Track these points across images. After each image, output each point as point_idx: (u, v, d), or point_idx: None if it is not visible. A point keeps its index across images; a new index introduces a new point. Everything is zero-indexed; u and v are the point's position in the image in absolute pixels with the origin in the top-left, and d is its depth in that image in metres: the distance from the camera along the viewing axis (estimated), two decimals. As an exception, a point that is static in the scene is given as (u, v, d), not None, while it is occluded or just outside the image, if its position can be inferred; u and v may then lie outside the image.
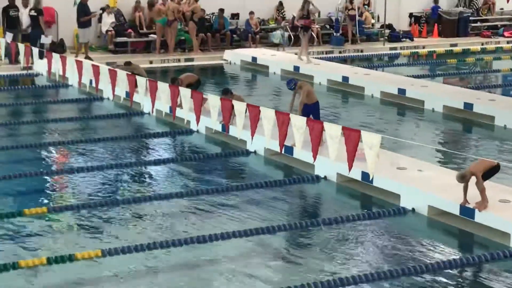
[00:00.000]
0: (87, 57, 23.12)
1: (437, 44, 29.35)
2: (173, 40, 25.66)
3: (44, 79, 21.68)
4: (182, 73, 18.77)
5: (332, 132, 11.52)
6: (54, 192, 12.88)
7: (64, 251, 10.15)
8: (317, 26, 28.21)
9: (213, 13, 27.25)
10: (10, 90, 20.86)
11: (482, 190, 10.96)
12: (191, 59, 25.37)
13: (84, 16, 23.80)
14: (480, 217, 11.03)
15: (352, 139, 11.15)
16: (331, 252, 10.49)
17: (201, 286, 9.55)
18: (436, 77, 23.30)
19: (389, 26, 29.73)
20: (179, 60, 25.16)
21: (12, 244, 10.56)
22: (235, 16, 28.04)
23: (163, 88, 15.42)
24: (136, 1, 26.23)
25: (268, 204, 12.27)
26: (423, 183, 12.16)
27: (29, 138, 15.87)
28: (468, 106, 17.98)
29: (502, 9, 33.19)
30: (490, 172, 11.09)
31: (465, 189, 11.09)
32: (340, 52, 27.27)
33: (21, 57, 21.05)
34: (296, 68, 22.90)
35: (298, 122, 12.11)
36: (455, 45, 29.16)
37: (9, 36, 23.24)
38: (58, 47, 24.47)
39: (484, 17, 32.40)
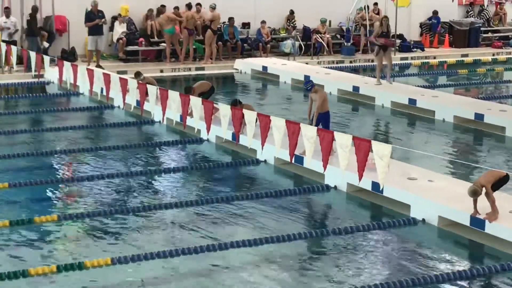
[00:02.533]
0: (98, 66, 23.19)
1: (448, 54, 29.30)
2: (191, 49, 25.73)
3: (55, 87, 21.73)
4: (193, 82, 18.79)
5: (343, 141, 11.52)
6: (64, 200, 12.90)
7: (74, 259, 10.17)
8: (327, 35, 28.23)
9: (223, 22, 27.29)
10: (22, 98, 20.93)
11: (492, 201, 10.93)
12: (202, 68, 25.41)
13: (88, 22, 24.09)
14: (490, 228, 10.99)
15: (362, 149, 11.14)
16: (341, 262, 10.47)
17: (210, 295, 9.56)
18: (447, 87, 23.26)
19: (400, 36, 29.72)
20: (189, 69, 25.20)
21: (22, 252, 10.57)
22: (246, 25, 28.07)
23: (174, 96, 15.45)
24: (148, 10, 26.29)
25: (278, 213, 12.26)
26: (433, 194, 12.13)
27: (40, 146, 15.90)
28: (479, 116, 17.94)
29: (513, 19, 33.17)
30: (499, 182, 11.06)
31: (475, 200, 11.06)
32: (350, 62, 27.27)
33: (32, 65, 21.13)
34: (307, 78, 22.86)
35: (309, 132, 12.11)
36: (466, 55, 29.12)
37: (45, 43, 23.62)
38: (69, 55, 24.56)
39: (495, 28, 32.34)
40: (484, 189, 10.88)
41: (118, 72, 21.62)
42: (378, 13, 29.94)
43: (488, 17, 32.19)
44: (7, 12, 23.60)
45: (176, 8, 25.93)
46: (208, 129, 14.58)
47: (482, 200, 11.00)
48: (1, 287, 9.45)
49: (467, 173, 14.12)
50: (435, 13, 30.76)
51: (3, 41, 23.11)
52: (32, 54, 21.04)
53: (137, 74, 18.82)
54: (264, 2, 28.30)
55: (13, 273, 9.64)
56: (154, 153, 15.71)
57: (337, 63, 27.07)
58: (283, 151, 13.00)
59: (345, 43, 28.18)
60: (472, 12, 32.05)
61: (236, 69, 25.53)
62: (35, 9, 24.00)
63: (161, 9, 26.22)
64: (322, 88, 21.90)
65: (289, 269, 10.28)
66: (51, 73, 21.84)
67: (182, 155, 15.72)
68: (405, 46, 29.37)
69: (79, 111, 19.25)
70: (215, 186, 13.55)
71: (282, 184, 13.79)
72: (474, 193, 10.91)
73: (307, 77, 14.92)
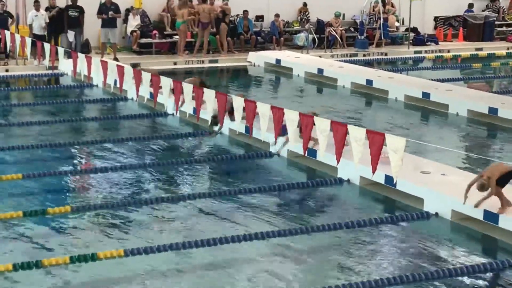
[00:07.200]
0: (115, 59, 23.24)
1: (462, 48, 29.20)
2: (205, 42, 25.76)
3: (69, 79, 21.79)
4: (206, 74, 18.77)
5: (356, 135, 11.48)
6: (78, 192, 12.93)
7: (86, 251, 10.19)
8: (341, 28, 28.19)
9: (237, 15, 27.28)
10: (36, 90, 21.01)
11: (498, 194, 10.86)
12: (215, 61, 25.42)
13: (99, 15, 24.28)
14: (503, 222, 10.95)
15: (376, 142, 11.10)
16: (353, 255, 10.46)
17: (222, 287, 9.55)
18: (461, 81, 23.17)
19: (414, 30, 29.64)
20: (203, 62, 25.20)
21: (35, 243, 10.61)
22: (259, 18, 28.06)
23: (188, 89, 15.44)
24: (168, 0, 26.34)
25: (291, 206, 12.26)
26: (447, 188, 12.10)
27: (54, 137, 15.93)
28: (493, 110, 17.87)
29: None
30: (506, 177, 10.95)
31: (469, 188, 11.03)
32: (364, 55, 27.22)
33: (47, 57, 21.19)
34: (320, 71, 22.86)
35: (322, 125, 12.08)
36: (480, 49, 29.00)
37: (71, 34, 23.80)
38: (83, 47, 24.63)
39: (510, 22, 32.16)
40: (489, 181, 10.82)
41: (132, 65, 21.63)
42: (392, 6, 29.96)
43: (497, 7, 31.92)
44: (37, 5, 23.71)
45: (190, 0, 25.97)
46: (222, 121, 14.57)
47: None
48: (15, 277, 9.49)
49: (481, 167, 14.03)
50: (471, 6, 30.73)
51: (34, 35, 23.22)
52: (47, 46, 21.08)
53: (134, 66, 18.82)
54: (277, -6, 28.32)
55: (27, 263, 9.67)
56: (167, 146, 15.71)
57: (350, 56, 27.05)
58: (296, 143, 12.97)
59: (359, 36, 28.12)
60: (490, 9, 31.82)
61: (249, 62, 25.51)
62: (72, 1, 24.23)
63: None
64: (335, 81, 21.99)
65: (301, 262, 10.29)
66: (65, 65, 21.89)
67: (195, 148, 15.72)
68: (419, 40, 29.30)
69: (93, 103, 19.31)
70: (228, 179, 13.55)
71: (295, 177, 13.78)
72: (482, 187, 10.86)
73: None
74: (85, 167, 14.19)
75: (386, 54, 27.77)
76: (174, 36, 26.08)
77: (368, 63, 25.94)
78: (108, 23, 24.27)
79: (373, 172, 11.32)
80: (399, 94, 20.17)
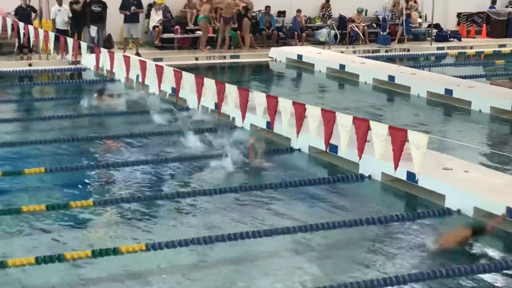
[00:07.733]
0: (137, 54, 23.34)
1: (485, 44, 29.05)
2: (227, 37, 25.79)
3: (91, 73, 21.89)
4: (228, 70, 18.76)
5: (379, 131, 11.46)
6: (100, 185, 12.98)
7: (108, 244, 10.23)
8: (363, 24, 28.13)
9: (259, 11, 27.29)
10: (58, 84, 21.11)
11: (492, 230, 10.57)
12: (237, 56, 25.44)
13: (122, 10, 24.47)
14: (526, 219, 10.91)
15: (398, 138, 11.08)
16: (373, 252, 10.44)
17: (243, 282, 9.56)
18: (484, 78, 23.06)
19: (437, 26, 29.51)
20: (224, 57, 25.23)
21: (57, 236, 10.67)
22: (281, 13, 28.06)
23: (209, 84, 15.47)
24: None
25: (312, 202, 12.25)
26: (469, 184, 12.04)
27: (76, 131, 16.02)
28: (516, 107, 17.79)
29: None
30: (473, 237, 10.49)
31: None
32: (386, 51, 27.14)
33: (70, 51, 21.30)
34: (342, 67, 22.82)
35: (344, 121, 12.07)
36: (504, 45, 28.82)
37: (93, 29, 23.90)
38: (106, 42, 24.73)
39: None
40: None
41: (154, 60, 21.71)
42: (415, 2, 29.87)
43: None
44: (60, 0, 23.86)
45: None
46: (243, 117, 14.59)
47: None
48: (37, 270, 9.55)
49: (503, 164, 13.99)
50: (494, 2, 30.58)
51: (57, 29, 23.38)
52: (70, 41, 21.18)
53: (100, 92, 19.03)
54: (300, -10, 28.30)
55: (49, 257, 9.72)
56: (188, 140, 15.72)
57: (372, 52, 26.98)
58: (318, 139, 12.97)
59: (381, 32, 28.05)
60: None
61: (271, 57, 25.50)
62: None
63: None
64: (357, 77, 21.96)
65: (322, 257, 10.28)
66: (87, 60, 21.99)
67: (216, 142, 15.70)
68: (442, 36, 29.17)
69: (115, 98, 19.37)
70: (248, 174, 13.56)
71: (316, 173, 13.77)
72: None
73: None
74: (107, 161, 14.23)
75: (408, 50, 27.67)
76: (197, 32, 26.14)
77: (390, 59, 25.86)
78: (131, 18, 24.38)
79: (395, 168, 11.30)
80: (421, 90, 20.10)
